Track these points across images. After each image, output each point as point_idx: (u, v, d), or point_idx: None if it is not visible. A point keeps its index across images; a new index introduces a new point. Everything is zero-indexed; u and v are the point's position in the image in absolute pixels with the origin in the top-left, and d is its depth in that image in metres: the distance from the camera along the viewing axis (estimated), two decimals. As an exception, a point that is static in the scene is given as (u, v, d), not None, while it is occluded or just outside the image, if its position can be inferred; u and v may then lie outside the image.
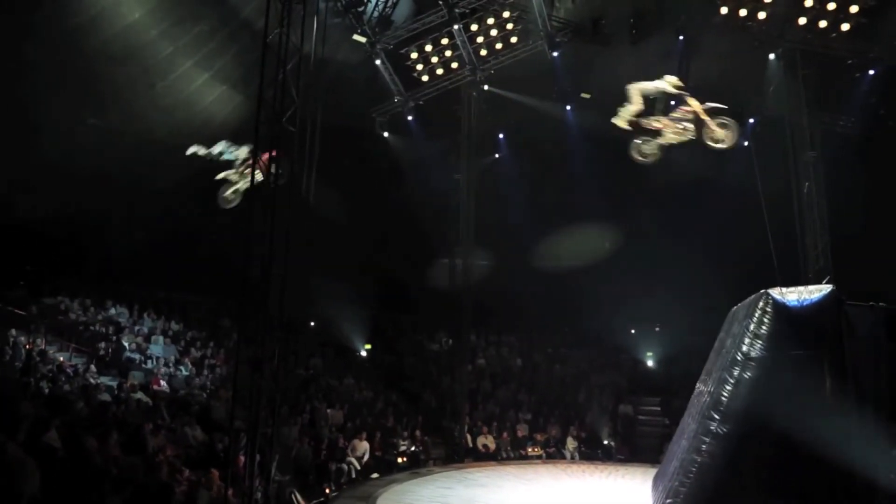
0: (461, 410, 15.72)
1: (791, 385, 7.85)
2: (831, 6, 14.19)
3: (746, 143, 16.43)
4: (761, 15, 14.62)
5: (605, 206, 17.65)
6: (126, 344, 14.82)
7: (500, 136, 18.94)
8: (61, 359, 13.42)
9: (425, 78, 16.55)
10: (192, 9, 13.76)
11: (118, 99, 14.37)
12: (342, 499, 11.05)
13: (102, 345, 14.66)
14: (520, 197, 18.34)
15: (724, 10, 14.58)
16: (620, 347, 19.81)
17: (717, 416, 8.10)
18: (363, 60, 16.02)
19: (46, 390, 10.46)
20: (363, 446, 12.89)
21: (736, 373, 8.19)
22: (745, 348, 8.25)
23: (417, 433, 14.96)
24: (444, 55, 16.25)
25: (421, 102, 16.96)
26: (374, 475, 12.77)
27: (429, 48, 16.12)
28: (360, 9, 14.98)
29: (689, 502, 8.01)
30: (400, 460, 13.88)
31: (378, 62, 15.99)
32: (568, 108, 17.28)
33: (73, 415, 8.89)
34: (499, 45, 16.12)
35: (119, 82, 14.07)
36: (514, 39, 16.02)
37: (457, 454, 15.10)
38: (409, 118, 17.18)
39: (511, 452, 15.76)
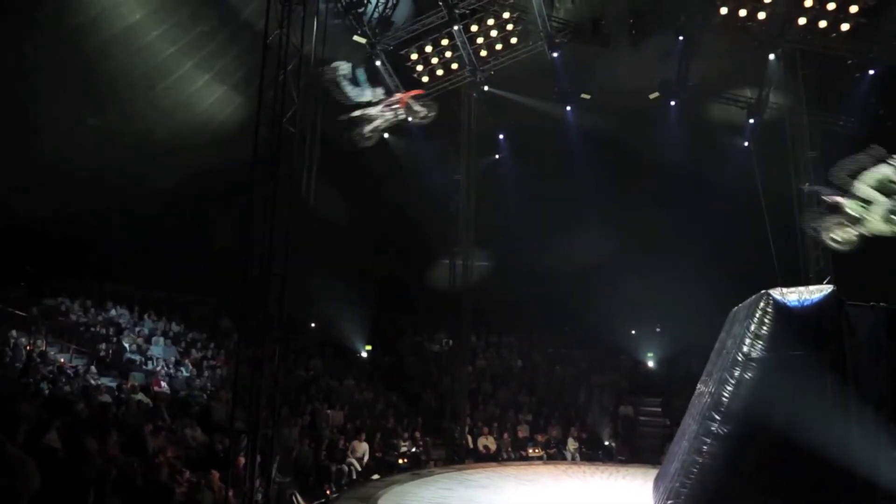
0: (461, 411, 15.71)
1: (792, 386, 7.85)
2: (831, 6, 14.18)
3: (746, 144, 16.49)
4: (761, 15, 14.62)
5: (606, 207, 17.65)
6: (126, 345, 14.81)
7: (500, 136, 18.95)
8: (62, 360, 13.41)
9: (425, 79, 16.52)
10: (192, 10, 13.77)
11: (118, 100, 14.37)
12: (343, 500, 11.03)
13: (103, 346, 14.65)
14: (520, 198, 18.35)
15: (723, 11, 14.58)
16: (621, 348, 19.81)
17: (717, 417, 8.10)
18: (363, 61, 16.02)
19: (47, 391, 10.45)
20: (363, 447, 12.88)
21: (737, 373, 8.19)
22: (745, 349, 8.25)
23: (418, 434, 14.95)
24: (444, 56, 16.26)
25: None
26: (375, 476, 12.76)
27: (429, 49, 16.12)
28: (361, 10, 14.99)
29: (690, 503, 8.01)
30: (400, 461, 13.87)
31: (378, 63, 15.99)
32: (568, 108, 17.28)
33: (73, 416, 8.88)
34: (499, 46, 16.12)
35: (119, 83, 14.06)
36: (513, 40, 16.03)
37: (457, 455, 15.09)
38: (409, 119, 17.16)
39: (512, 453, 15.75)
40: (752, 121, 16.60)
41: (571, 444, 16.15)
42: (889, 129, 15.45)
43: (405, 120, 11.81)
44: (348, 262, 17.16)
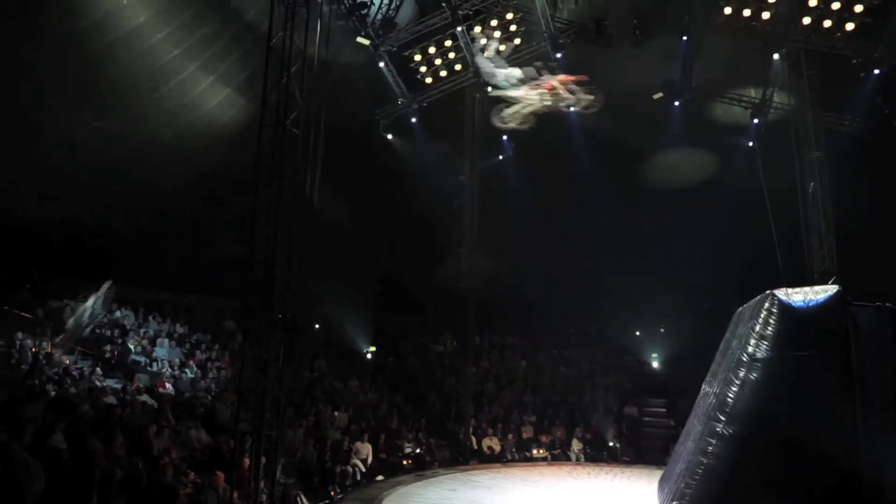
0: (466, 412, 15.71)
1: (797, 386, 7.83)
2: (835, 6, 14.14)
3: (751, 144, 16.45)
4: (765, 15, 14.59)
5: (610, 208, 17.63)
6: (131, 346, 14.85)
7: (504, 137, 18.93)
8: (67, 361, 13.44)
9: (429, 80, 16.56)
10: (195, 12, 13.81)
11: (122, 102, 14.42)
12: (347, 501, 11.04)
13: (108, 347, 14.69)
14: (524, 198, 18.34)
15: (727, 11, 14.55)
16: (625, 349, 19.78)
17: (722, 418, 8.08)
18: (367, 63, 16.05)
19: (52, 393, 10.47)
20: (366, 448, 12.88)
21: (742, 374, 8.17)
22: (750, 349, 8.23)
23: (422, 435, 14.95)
24: (447, 57, 16.27)
25: (424, 104, 16.98)
26: (379, 477, 12.76)
27: (432, 50, 16.14)
28: (364, 11, 15.01)
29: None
30: (405, 462, 13.87)
31: (381, 64, 16.01)
32: (571, 109, 17.23)
33: (78, 417, 8.90)
34: (502, 47, 16.09)
35: (123, 86, 14.12)
36: (517, 41, 16.01)
37: (462, 456, 15.08)
38: (413, 120, 17.20)
39: (516, 454, 15.74)
40: (756, 121, 16.56)
41: (576, 445, 16.12)
42: (894, 128, 15.41)
43: (560, 106, 10.56)
44: (352, 263, 17.17)
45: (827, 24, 14.38)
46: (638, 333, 20.34)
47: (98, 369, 13.29)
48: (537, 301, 18.77)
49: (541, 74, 9.82)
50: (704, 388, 9.70)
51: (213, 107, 15.45)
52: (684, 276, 16.83)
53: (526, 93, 9.81)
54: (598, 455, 16.04)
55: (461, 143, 16.85)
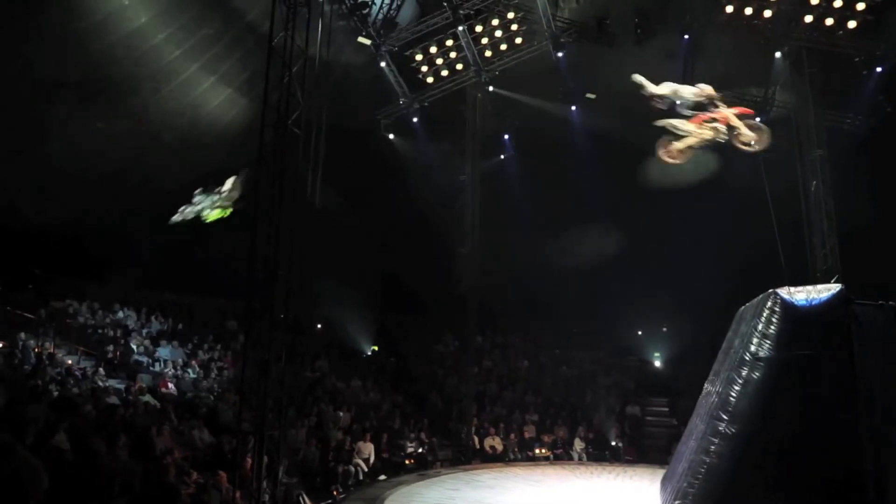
0: (468, 412, 15.70)
1: (800, 385, 7.81)
2: (837, 3, 14.13)
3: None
4: (767, 13, 14.57)
5: (611, 207, 17.62)
6: (134, 347, 14.87)
7: (506, 137, 18.94)
8: (70, 362, 13.46)
9: (430, 80, 16.55)
10: (197, 13, 13.83)
11: (124, 102, 14.44)
12: (349, 501, 11.05)
13: (110, 348, 14.70)
14: (525, 198, 18.33)
15: (729, 9, 14.53)
16: (627, 348, 19.77)
17: (725, 417, 8.07)
18: (368, 62, 16.05)
19: (55, 393, 10.49)
20: (368, 448, 12.89)
21: (744, 373, 8.16)
22: (753, 348, 8.22)
23: (424, 435, 14.95)
24: (448, 57, 16.26)
25: (426, 104, 16.97)
26: (382, 477, 12.77)
27: (433, 50, 16.13)
28: (365, 11, 15.01)
29: (697, 503, 7.97)
30: (407, 462, 13.87)
31: (383, 64, 16.01)
32: (573, 108, 17.26)
33: (81, 417, 8.92)
34: (503, 46, 16.12)
35: (125, 86, 14.14)
36: (518, 40, 16.02)
37: (464, 456, 15.08)
38: (415, 120, 17.19)
39: (518, 454, 15.73)
40: (758, 119, 16.49)
41: (578, 445, 16.12)
42: (897, 126, 15.39)
43: (728, 143, 9.54)
44: (354, 264, 17.18)
45: (829, 22, 14.37)
46: (640, 333, 20.32)
47: (101, 369, 13.31)
48: (539, 301, 18.77)
49: (713, 105, 9.16)
50: (707, 387, 9.69)
51: (214, 107, 15.46)
52: (686, 275, 16.80)
53: (698, 127, 9.20)
54: (600, 454, 16.03)
55: (462, 142, 16.84)
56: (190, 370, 14.75)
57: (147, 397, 11.63)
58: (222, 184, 11.49)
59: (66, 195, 15.04)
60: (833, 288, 8.29)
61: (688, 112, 9.29)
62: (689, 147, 9.39)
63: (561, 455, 15.90)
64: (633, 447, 16.22)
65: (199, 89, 15.05)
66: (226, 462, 8.94)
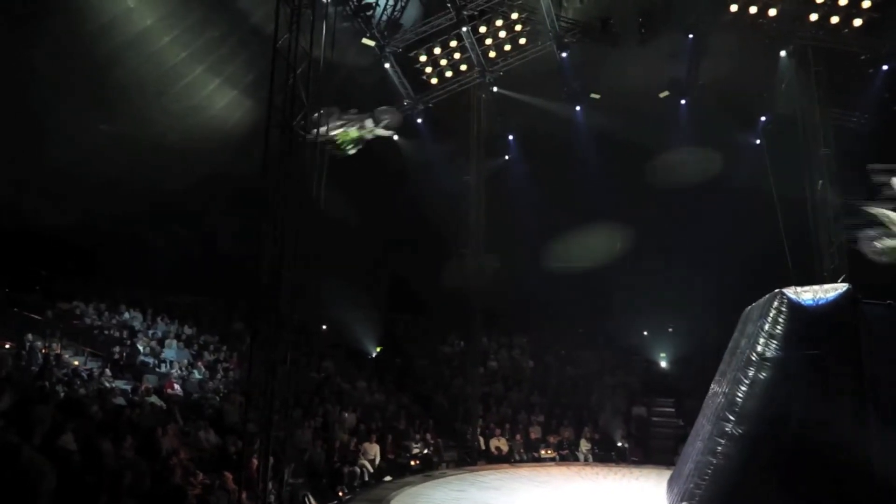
0: (473, 413, 15.69)
1: (807, 385, 7.78)
2: (843, 2, 14.09)
3: (758, 141, 16.37)
4: (772, 12, 14.53)
5: (617, 207, 17.59)
6: (140, 348, 14.91)
7: (510, 137, 18.95)
8: (76, 363, 13.51)
9: (434, 81, 16.58)
10: (201, 15, 13.87)
11: (130, 105, 14.50)
12: (355, 501, 11.05)
13: (117, 349, 14.76)
14: (530, 198, 18.32)
15: (733, 8, 14.50)
16: (633, 349, 19.70)
17: (732, 417, 8.04)
18: (372, 64, 16.08)
19: (62, 394, 10.53)
20: (374, 449, 12.89)
21: (751, 373, 8.13)
22: (759, 348, 8.19)
23: (430, 436, 14.94)
24: (452, 57, 16.29)
25: (430, 105, 17.00)
26: (387, 478, 12.76)
27: (437, 51, 16.15)
28: (369, 13, 15.04)
29: (704, 504, 7.95)
30: (413, 463, 13.87)
31: (387, 65, 16.03)
32: (577, 108, 17.25)
33: (88, 418, 8.95)
34: (507, 47, 16.13)
35: (130, 89, 14.19)
36: (522, 41, 16.02)
37: (470, 457, 15.07)
38: (419, 121, 17.21)
39: (524, 455, 15.71)
40: (763, 118, 16.49)
41: (584, 446, 16.09)
42: (903, 125, 15.31)
43: None
44: (359, 264, 17.21)
45: (834, 20, 14.32)
46: (646, 333, 20.27)
47: (107, 370, 13.36)
48: (544, 301, 18.75)
49: None
50: (713, 387, 9.66)
51: (219, 109, 15.50)
52: (692, 274, 16.76)
53: None
54: (606, 455, 15.99)
55: (467, 143, 16.84)
56: (196, 371, 14.79)
57: (153, 398, 11.66)
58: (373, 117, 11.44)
59: (73, 197, 15.12)
60: (840, 287, 8.26)
61: None
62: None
63: (567, 456, 15.87)
64: (639, 448, 16.17)
65: (205, 92, 15.09)
66: (231, 463, 8.96)
